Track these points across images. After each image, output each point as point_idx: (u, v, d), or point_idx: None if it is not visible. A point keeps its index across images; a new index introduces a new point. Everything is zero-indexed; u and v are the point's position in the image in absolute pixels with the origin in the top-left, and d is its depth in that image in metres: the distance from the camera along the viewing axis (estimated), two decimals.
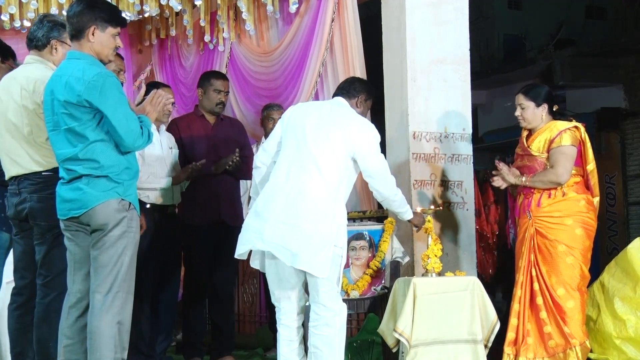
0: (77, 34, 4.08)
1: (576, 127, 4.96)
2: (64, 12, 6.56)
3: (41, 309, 4.29)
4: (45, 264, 4.31)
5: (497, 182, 5.07)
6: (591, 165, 5.01)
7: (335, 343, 4.36)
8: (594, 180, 5.03)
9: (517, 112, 5.07)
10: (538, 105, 5.02)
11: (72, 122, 3.97)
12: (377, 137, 4.54)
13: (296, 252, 4.23)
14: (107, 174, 4.00)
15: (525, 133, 5.13)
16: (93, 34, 4.07)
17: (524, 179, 5.01)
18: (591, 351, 5.01)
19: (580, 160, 4.99)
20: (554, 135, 4.94)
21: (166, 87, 5.76)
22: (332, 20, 6.22)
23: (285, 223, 4.27)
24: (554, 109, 5.07)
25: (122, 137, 3.98)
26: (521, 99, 5.06)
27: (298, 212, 4.29)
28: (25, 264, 4.42)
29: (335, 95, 4.76)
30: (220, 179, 5.82)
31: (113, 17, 4.16)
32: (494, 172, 5.12)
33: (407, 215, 4.78)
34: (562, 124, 4.99)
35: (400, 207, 4.71)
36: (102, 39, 4.10)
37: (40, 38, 4.45)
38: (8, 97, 4.37)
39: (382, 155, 4.57)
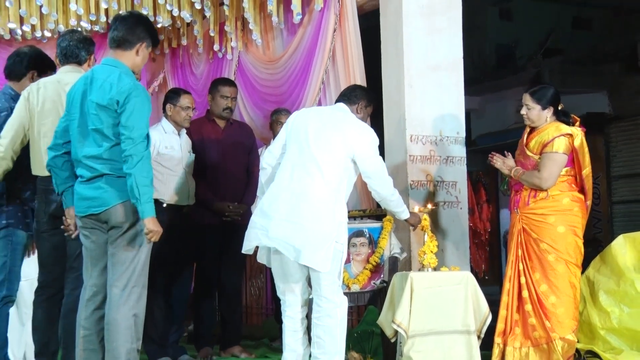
0: (124, 44, 4.10)
1: (570, 134, 4.91)
2: (82, 24, 6.61)
3: (70, 300, 4.29)
4: (79, 258, 4.31)
5: (497, 162, 5.07)
6: (586, 170, 4.94)
7: (336, 333, 4.37)
8: (588, 185, 4.96)
9: (523, 111, 5.01)
10: (544, 107, 4.96)
11: (100, 124, 3.98)
12: (376, 140, 4.56)
13: (299, 248, 4.25)
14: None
15: (528, 129, 5.09)
16: (141, 49, 4.13)
17: (513, 171, 5.00)
18: (578, 341, 5.00)
19: (572, 163, 4.94)
20: (547, 140, 4.90)
21: (187, 94, 5.77)
22: (334, 31, 6.22)
23: (289, 221, 4.30)
24: (560, 108, 5.03)
25: (124, 142, 3.94)
26: (528, 99, 4.99)
27: (301, 211, 4.31)
28: (54, 259, 4.42)
29: (337, 101, 4.79)
30: (227, 180, 5.83)
31: (156, 38, 4.27)
32: (493, 153, 5.13)
33: (404, 215, 4.79)
34: (560, 129, 4.91)
35: (397, 207, 4.72)
36: (144, 55, 4.18)
37: (84, 55, 4.53)
38: (58, 100, 4.38)
39: (380, 157, 4.59)
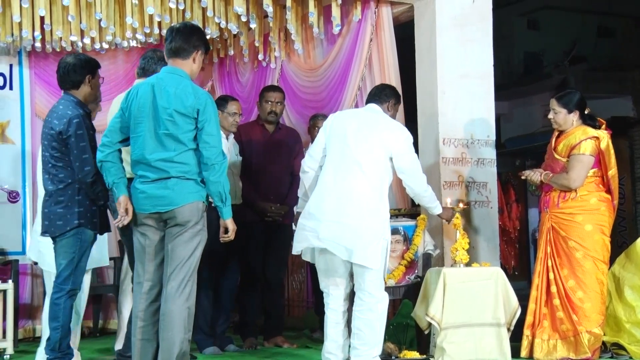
0: (182, 53, 4.11)
1: (596, 137, 4.85)
2: (137, 36, 6.66)
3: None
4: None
5: (529, 175, 5.03)
6: (612, 171, 4.89)
7: (376, 326, 4.36)
8: (614, 184, 4.90)
9: (550, 116, 4.99)
10: (570, 111, 4.92)
11: (176, 130, 3.97)
12: (410, 137, 4.55)
13: (351, 248, 4.24)
14: (195, 178, 4.03)
15: (556, 133, 5.04)
16: (198, 57, 4.14)
17: (543, 176, 4.94)
18: (604, 335, 4.93)
19: (599, 164, 4.89)
20: (575, 143, 4.85)
21: (234, 101, 5.78)
22: (370, 41, 6.20)
23: (337, 222, 4.27)
24: (586, 112, 4.97)
25: (208, 150, 3.98)
26: (554, 104, 4.96)
27: (348, 211, 4.29)
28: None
29: (368, 102, 4.76)
30: (271, 181, 5.82)
31: (208, 45, 4.27)
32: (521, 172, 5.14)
33: (437, 210, 4.75)
34: (587, 132, 4.86)
35: (431, 202, 4.69)
36: (200, 62, 4.19)
37: (156, 69, 4.57)
38: None
39: (415, 154, 4.56)
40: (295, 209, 4.73)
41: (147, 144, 4.03)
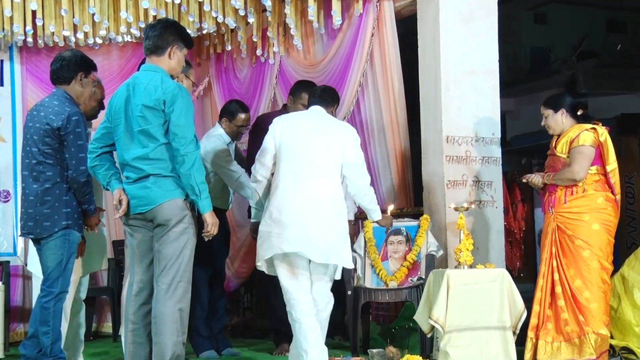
0: (157, 50, 4.16)
1: (594, 129, 4.89)
2: (132, 31, 6.67)
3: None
4: None
5: (530, 179, 5.05)
6: (611, 165, 4.91)
7: (326, 325, 4.48)
8: (614, 179, 4.93)
9: (543, 122, 5.09)
10: (556, 111, 4.99)
11: (146, 125, 4.02)
12: (358, 137, 4.56)
13: (325, 249, 4.28)
14: (174, 175, 4.05)
15: (555, 137, 5.09)
16: (174, 52, 4.17)
17: (545, 177, 4.97)
18: (612, 337, 4.94)
19: (600, 160, 4.91)
20: (574, 137, 4.89)
21: (245, 113, 5.76)
22: (372, 35, 6.21)
23: (306, 225, 4.28)
24: (579, 113, 5.01)
25: (176, 141, 4.00)
26: (542, 109, 5.08)
27: (316, 213, 4.31)
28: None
29: (311, 103, 4.71)
30: None
31: (188, 40, 4.29)
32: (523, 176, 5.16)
33: (376, 215, 4.70)
34: (582, 126, 4.92)
35: (372, 204, 4.64)
36: (179, 57, 4.21)
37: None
38: None
39: (362, 153, 4.57)
40: (252, 220, 4.68)
41: (124, 144, 4.11)
